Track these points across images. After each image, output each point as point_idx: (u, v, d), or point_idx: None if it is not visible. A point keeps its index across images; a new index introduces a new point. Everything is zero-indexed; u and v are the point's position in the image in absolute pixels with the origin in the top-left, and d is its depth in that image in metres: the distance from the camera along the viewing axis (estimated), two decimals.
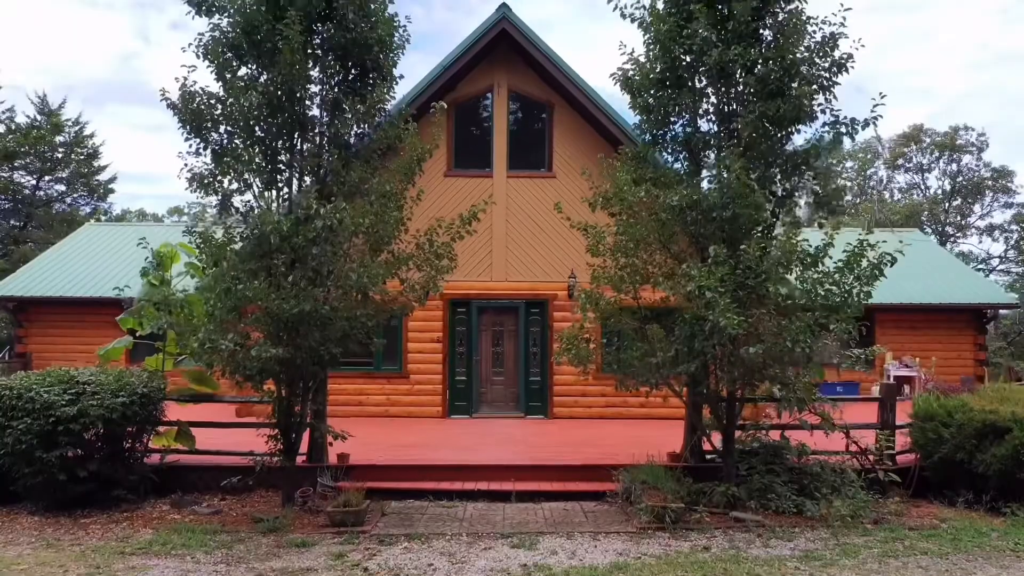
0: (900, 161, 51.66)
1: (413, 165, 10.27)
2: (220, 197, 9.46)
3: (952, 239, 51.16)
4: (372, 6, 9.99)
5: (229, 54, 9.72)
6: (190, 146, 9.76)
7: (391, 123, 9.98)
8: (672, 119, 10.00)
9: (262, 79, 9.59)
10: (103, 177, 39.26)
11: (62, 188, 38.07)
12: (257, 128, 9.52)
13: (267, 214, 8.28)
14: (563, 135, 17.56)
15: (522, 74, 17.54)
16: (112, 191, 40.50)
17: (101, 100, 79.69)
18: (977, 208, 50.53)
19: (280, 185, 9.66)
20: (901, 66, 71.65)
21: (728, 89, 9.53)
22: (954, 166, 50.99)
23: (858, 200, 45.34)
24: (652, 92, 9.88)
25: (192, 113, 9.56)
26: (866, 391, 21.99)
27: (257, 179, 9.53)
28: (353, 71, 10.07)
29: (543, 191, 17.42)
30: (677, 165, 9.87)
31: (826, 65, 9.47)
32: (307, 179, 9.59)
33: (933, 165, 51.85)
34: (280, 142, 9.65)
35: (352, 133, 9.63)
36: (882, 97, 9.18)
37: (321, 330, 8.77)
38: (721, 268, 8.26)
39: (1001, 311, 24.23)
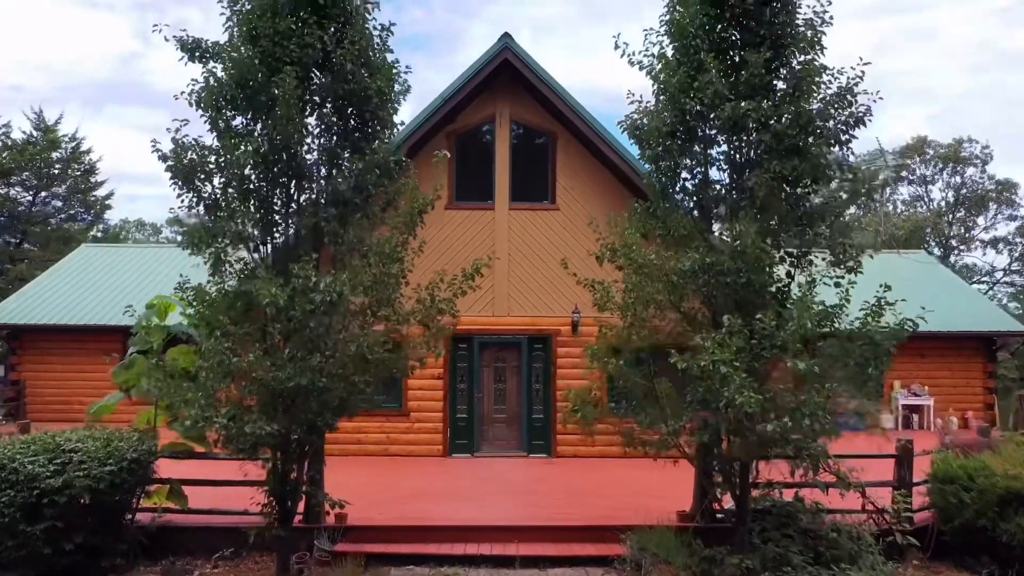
0: (903, 173, 51.37)
1: (415, 217, 9.89)
2: (213, 254, 9.09)
3: (956, 252, 50.82)
4: (371, 55, 9.61)
5: (223, 104, 9.34)
6: (182, 200, 9.39)
7: (388, 172, 9.60)
8: (682, 171, 9.62)
9: (257, 132, 9.22)
10: (100, 193, 38.93)
11: (59, 204, 37.67)
12: (252, 183, 9.15)
13: (264, 284, 7.90)
14: (567, 166, 17.20)
15: (524, 104, 17.18)
16: (109, 207, 40.14)
17: (101, 101, 79.74)
18: (981, 220, 50.23)
19: (276, 240, 9.29)
20: (901, 67, 71.52)
21: (741, 143, 9.16)
22: (958, 178, 50.68)
23: (863, 214, 45.02)
24: (661, 142, 9.51)
25: (185, 167, 9.19)
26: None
27: (253, 231, 9.17)
28: (352, 121, 9.70)
29: (546, 224, 17.05)
30: (687, 219, 9.47)
31: (842, 118, 9.10)
32: (304, 234, 9.19)
33: (937, 177, 51.54)
34: (276, 198, 9.28)
35: (350, 188, 9.24)
36: (877, 94, 8.86)
37: (318, 399, 8.40)
38: (736, 339, 7.88)
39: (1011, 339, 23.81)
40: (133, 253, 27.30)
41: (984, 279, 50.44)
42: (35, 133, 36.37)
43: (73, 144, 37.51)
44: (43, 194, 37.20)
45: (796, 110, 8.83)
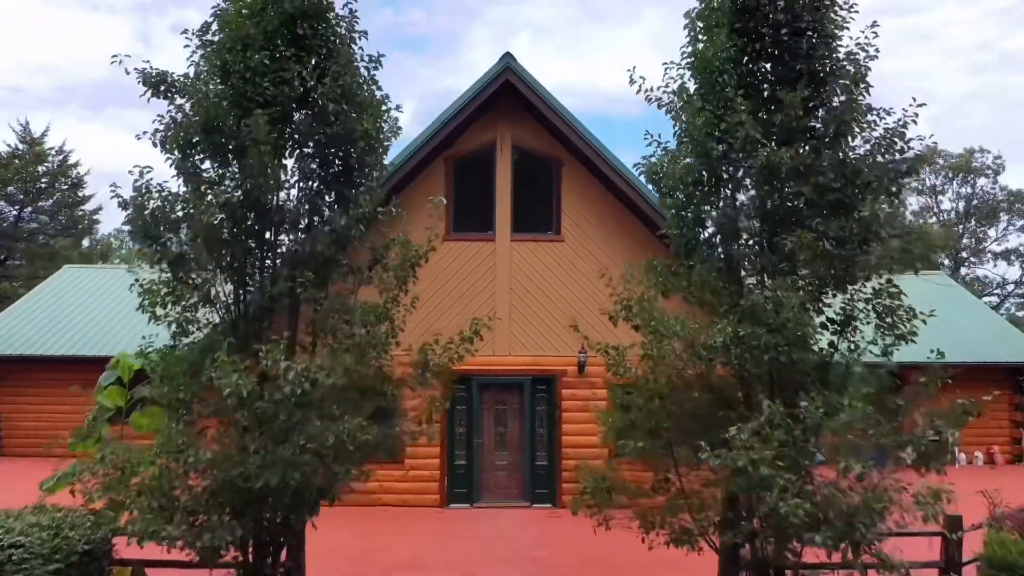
0: (914, 183, 50.33)
1: (407, 271, 8.77)
2: (176, 320, 7.98)
3: (967, 264, 49.74)
4: (357, 91, 8.51)
5: (190, 147, 8.24)
6: (141, 258, 8.28)
7: (376, 223, 8.50)
8: (707, 222, 8.52)
9: (228, 179, 8.12)
10: (89, 207, 37.78)
11: (45, 219, 36.49)
12: (221, 237, 8.04)
13: (224, 371, 6.78)
14: (572, 195, 16.10)
15: (527, 128, 16.08)
16: (97, 222, 39.01)
17: (101, 102, 79.39)
18: (992, 232, 49.16)
19: (248, 301, 8.17)
20: (901, 67, 71.47)
21: (776, 193, 8.05)
22: (968, 188, 49.61)
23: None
24: (685, 191, 8.40)
25: (148, 218, 8.08)
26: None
27: (221, 291, 8.07)
28: (335, 167, 8.59)
29: (550, 256, 15.96)
30: (714, 277, 8.35)
31: (892, 166, 7.99)
32: (278, 297, 8.08)
33: (946, 187, 50.48)
34: (248, 255, 8.17)
35: (332, 244, 8.13)
36: (931, 137, 7.84)
37: (291, 496, 7.29)
38: (778, 432, 6.76)
39: None
40: (118, 275, 26.12)
41: (995, 291, 49.34)
42: (20, 146, 35.25)
43: (60, 157, 36.38)
44: (28, 209, 36.07)
45: (840, 158, 7.72)
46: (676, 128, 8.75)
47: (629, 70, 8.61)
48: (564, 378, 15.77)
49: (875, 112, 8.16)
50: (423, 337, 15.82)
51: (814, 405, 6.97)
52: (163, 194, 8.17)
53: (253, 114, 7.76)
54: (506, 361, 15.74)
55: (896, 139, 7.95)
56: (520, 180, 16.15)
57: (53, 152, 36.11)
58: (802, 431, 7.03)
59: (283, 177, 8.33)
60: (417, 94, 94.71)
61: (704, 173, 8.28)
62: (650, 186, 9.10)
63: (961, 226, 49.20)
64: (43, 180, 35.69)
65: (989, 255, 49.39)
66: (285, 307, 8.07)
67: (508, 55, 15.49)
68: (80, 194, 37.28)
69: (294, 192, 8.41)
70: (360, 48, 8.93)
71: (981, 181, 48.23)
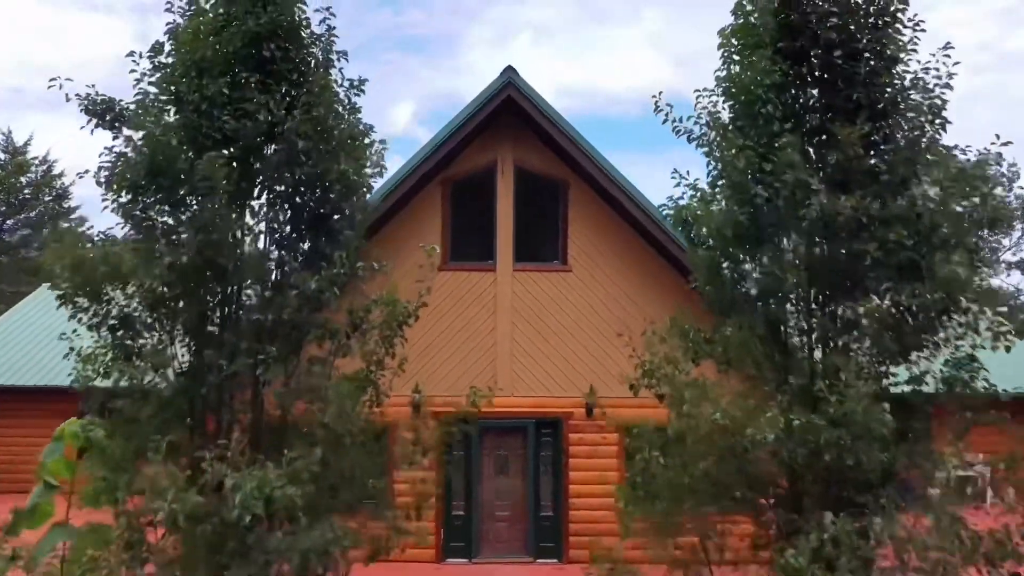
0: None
1: (393, 331, 7.50)
2: (119, 394, 6.72)
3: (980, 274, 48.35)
4: (334, 124, 7.22)
5: (139, 189, 6.97)
6: (79, 320, 7.01)
7: (343, 275, 7.23)
8: (748, 280, 7.22)
9: (181, 229, 6.85)
10: (74, 218, 36.41)
11: (28, 232, 35.18)
12: (170, 301, 6.75)
13: (157, 488, 5.52)
14: (580, 221, 14.78)
15: (531, 148, 14.77)
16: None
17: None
18: (1006, 242, 47.77)
19: (199, 384, 6.88)
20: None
21: (833, 249, 6.75)
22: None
23: None
24: (722, 243, 7.11)
25: (87, 273, 6.81)
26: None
27: (169, 367, 6.80)
28: (307, 213, 7.30)
29: (556, 288, 14.64)
30: (755, 346, 7.05)
31: (970, 211, 6.71)
32: (238, 373, 6.78)
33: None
34: (201, 322, 6.89)
35: (301, 309, 6.85)
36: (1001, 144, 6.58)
37: None
38: (846, 555, 5.48)
39: None
40: None
41: (1010, 303, 47.98)
42: (2, 156, 33.96)
43: (44, 167, 35.08)
44: (10, 222, 34.75)
45: (910, 207, 6.43)
46: (711, 166, 7.47)
47: (655, 96, 7.36)
48: (571, 421, 14.46)
49: (950, 150, 6.90)
50: (416, 377, 14.55)
51: (888, 521, 5.68)
52: (107, 244, 6.89)
53: (207, 155, 6.47)
54: (508, 402, 14.37)
55: (978, 183, 6.66)
56: (523, 204, 14.84)
57: (37, 162, 34.83)
58: (869, 546, 5.75)
59: (246, 226, 7.07)
60: (417, 94, 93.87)
61: (746, 222, 6.97)
62: (679, 233, 7.79)
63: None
64: (26, 191, 34.39)
65: (1003, 265, 48.05)
66: (248, 383, 6.80)
67: (510, 69, 14.20)
68: (66, 205, 35.97)
69: (260, 243, 7.14)
70: (340, 72, 7.65)
71: (996, 189, 46.81)
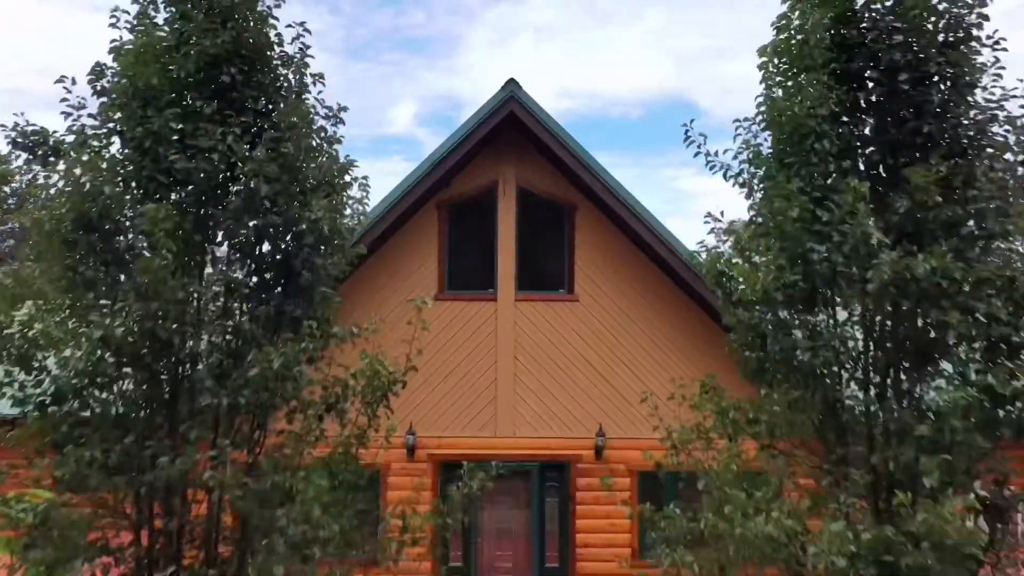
0: None
1: (378, 400, 6.37)
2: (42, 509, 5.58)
3: None
4: (306, 163, 6.07)
5: (69, 247, 5.82)
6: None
7: (315, 348, 6.08)
8: (799, 347, 6.07)
9: (119, 298, 5.70)
10: None
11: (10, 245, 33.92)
12: (107, 375, 5.61)
13: None
14: (588, 246, 13.64)
15: (535, 167, 13.64)
16: None
17: None
18: None
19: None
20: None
21: (905, 318, 5.62)
22: None
23: None
24: (766, 302, 5.97)
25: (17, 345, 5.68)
26: None
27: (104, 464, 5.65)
28: (271, 270, 6.15)
29: (562, 319, 13.50)
30: (806, 420, 5.91)
31: None
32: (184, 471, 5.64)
33: None
34: (135, 410, 5.74)
35: (262, 388, 5.70)
36: None
37: None
38: None
39: None
40: None
41: None
42: None
43: (30, 175, 33.76)
44: None
45: (1007, 273, 5.30)
46: (752, 211, 6.34)
47: (686, 125, 6.21)
48: (579, 464, 13.31)
49: None
50: (410, 417, 13.37)
51: None
52: (34, 312, 5.75)
53: (148, 205, 5.33)
54: (510, 444, 13.28)
55: None
56: (526, 228, 13.71)
57: (22, 171, 33.54)
58: None
59: (198, 287, 5.91)
60: (417, 95, 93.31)
61: (799, 281, 5.83)
62: (715, 290, 6.64)
63: None
64: (10, 201, 33.11)
65: None
66: (197, 482, 5.66)
67: (512, 82, 13.07)
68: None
69: (216, 307, 5.99)
70: (317, 98, 6.50)
71: None
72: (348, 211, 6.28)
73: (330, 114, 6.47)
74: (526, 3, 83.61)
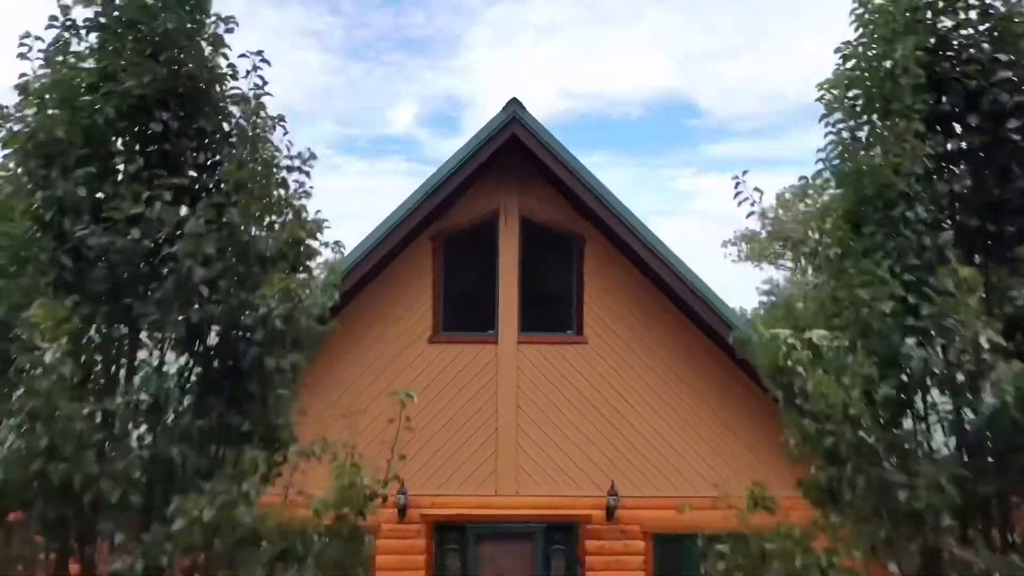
0: None
1: (351, 521, 5.11)
2: None
3: None
4: (259, 231, 4.78)
5: None
6: None
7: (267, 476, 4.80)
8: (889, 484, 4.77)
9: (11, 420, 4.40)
10: None
11: None
12: None
13: None
14: (599, 282, 12.36)
15: (539, 195, 12.38)
16: None
17: None
18: None
19: None
20: None
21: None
22: None
23: None
24: (844, 418, 4.67)
25: None
26: None
27: None
28: (212, 367, 4.86)
29: (571, 363, 12.22)
30: None
31: None
32: None
33: None
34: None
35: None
36: None
37: None
38: None
39: None
40: None
41: None
42: None
43: None
44: None
45: None
46: (821, 289, 5.05)
47: (736, 177, 4.93)
48: (588, 526, 12.01)
49: None
50: (401, 473, 12.01)
51: None
52: None
53: (40, 300, 4.03)
54: (511, 503, 11.99)
55: None
56: (530, 262, 12.42)
57: None
58: None
59: (112, 404, 4.61)
60: (418, 95, 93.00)
61: (893, 394, 4.55)
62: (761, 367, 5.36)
63: None
64: None
65: None
66: None
67: (515, 102, 11.79)
68: None
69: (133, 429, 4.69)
70: (277, 148, 5.20)
71: None
72: (313, 287, 5.00)
73: (293, 165, 5.18)
74: (527, 3, 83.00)
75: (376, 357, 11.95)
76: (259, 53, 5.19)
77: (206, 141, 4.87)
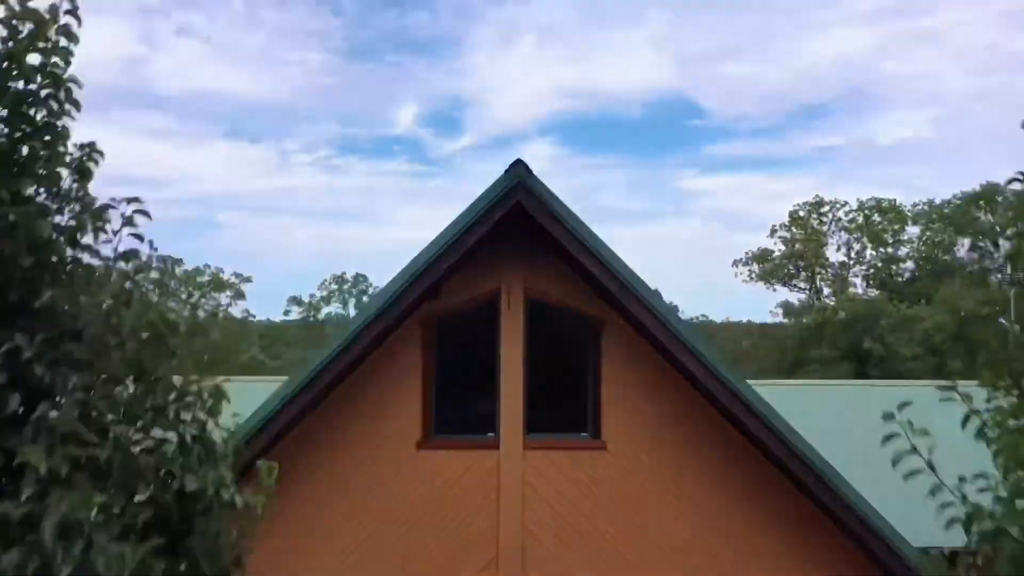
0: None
1: None
2: None
3: None
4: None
5: None
6: None
7: None
8: None
9: None
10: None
11: None
12: None
13: None
14: (620, 376, 10.45)
15: (549, 273, 10.52)
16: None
17: (107, 105, 79.38)
18: None
19: None
20: (906, 69, 71.78)
21: None
22: None
23: None
24: None
25: None
26: None
27: None
28: None
29: (587, 474, 10.29)
30: None
31: None
32: None
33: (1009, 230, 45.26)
34: None
35: None
36: None
37: None
38: None
39: None
40: None
41: None
42: None
43: None
44: None
45: None
46: None
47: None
48: None
49: None
50: None
51: None
52: None
53: None
54: None
55: None
56: (538, 352, 10.52)
57: None
58: None
59: None
60: (420, 95, 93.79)
61: None
62: None
63: None
64: None
65: None
66: None
67: (519, 164, 9.97)
68: None
69: None
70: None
71: None
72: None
73: (161, 277, 3.31)
74: (529, 3, 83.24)
75: (355, 467, 10.03)
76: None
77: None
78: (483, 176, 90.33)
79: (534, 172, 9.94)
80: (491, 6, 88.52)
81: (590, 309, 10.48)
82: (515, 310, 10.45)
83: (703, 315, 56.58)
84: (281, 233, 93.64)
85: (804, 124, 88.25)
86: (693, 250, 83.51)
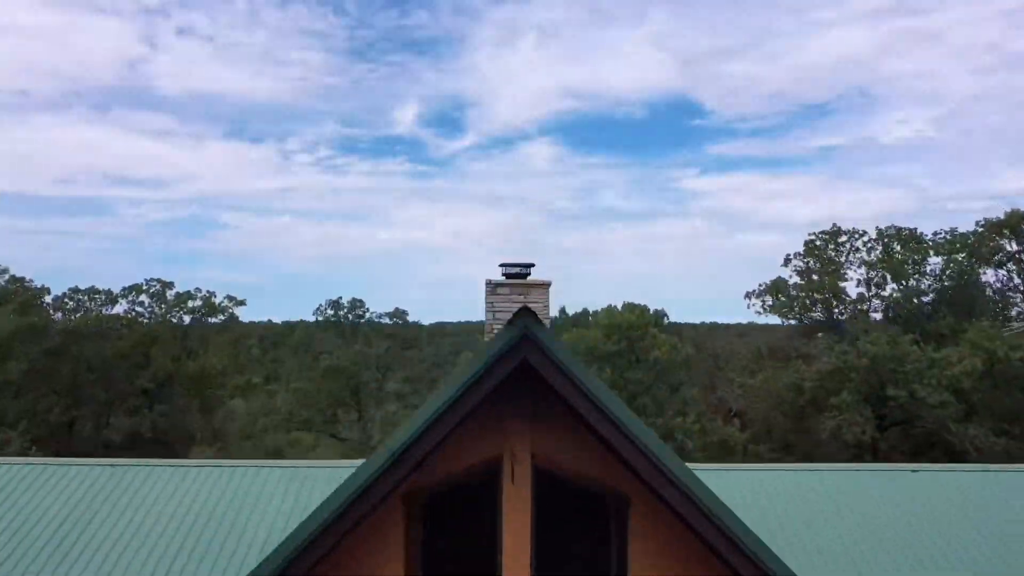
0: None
1: None
2: None
3: None
4: None
5: None
6: None
7: None
8: None
9: None
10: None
11: None
12: None
13: None
14: (650, 561, 8.65)
15: (560, 437, 8.75)
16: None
17: (108, 105, 78.54)
18: None
19: None
20: (907, 69, 70.77)
21: None
22: None
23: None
24: None
25: None
26: None
27: None
28: None
29: None
30: None
31: None
32: None
33: None
34: None
35: None
36: None
37: None
38: None
39: None
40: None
41: None
42: None
43: None
44: None
45: None
46: None
47: None
48: None
49: None
50: None
51: None
52: None
53: None
54: None
55: None
56: (549, 532, 8.75)
57: None
58: None
59: None
60: (420, 95, 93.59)
61: None
62: None
63: None
64: None
65: None
66: None
67: (526, 313, 8.22)
68: None
69: None
70: None
71: None
72: None
73: None
74: (530, 3, 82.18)
75: None
76: None
77: None
78: (483, 176, 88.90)
79: (543, 322, 8.18)
80: (492, 6, 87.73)
81: (614, 479, 8.70)
82: (520, 482, 8.66)
83: (705, 320, 54.65)
84: (281, 233, 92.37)
85: (805, 123, 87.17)
86: (696, 250, 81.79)
